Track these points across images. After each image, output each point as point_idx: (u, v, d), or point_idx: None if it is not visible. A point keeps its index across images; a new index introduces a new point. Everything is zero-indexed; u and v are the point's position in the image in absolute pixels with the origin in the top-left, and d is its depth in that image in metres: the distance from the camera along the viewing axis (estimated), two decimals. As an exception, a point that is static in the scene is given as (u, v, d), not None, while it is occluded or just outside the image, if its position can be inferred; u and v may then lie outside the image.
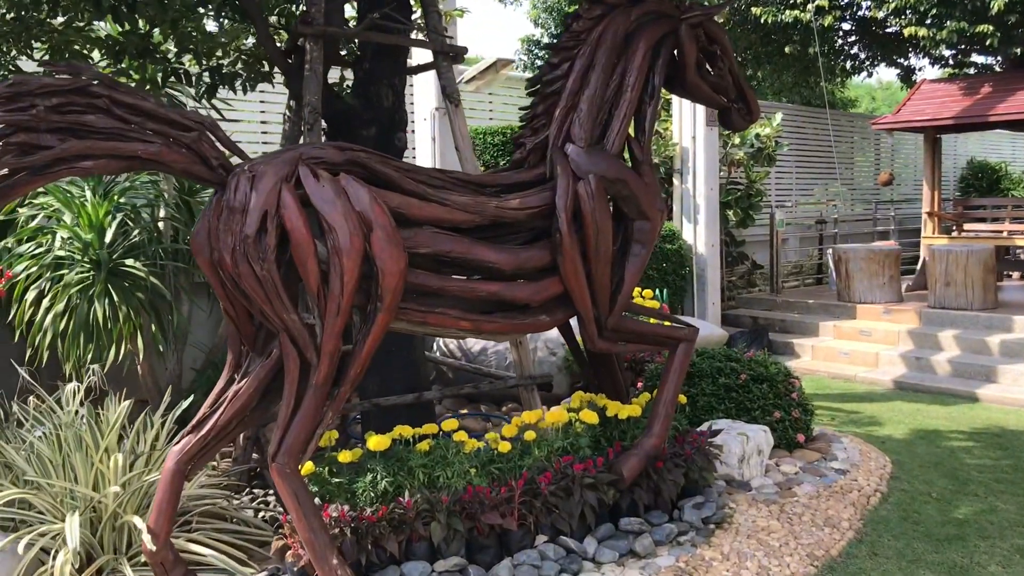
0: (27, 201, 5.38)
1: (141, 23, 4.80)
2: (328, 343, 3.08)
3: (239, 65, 5.32)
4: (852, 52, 12.44)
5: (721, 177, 9.52)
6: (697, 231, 9.11)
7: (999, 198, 12.84)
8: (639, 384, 5.53)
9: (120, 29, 4.73)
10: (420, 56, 7.17)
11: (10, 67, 4.85)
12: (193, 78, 5.18)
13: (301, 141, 4.31)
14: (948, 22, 9.68)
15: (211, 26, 5.37)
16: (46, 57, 4.71)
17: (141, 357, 5.42)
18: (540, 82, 3.90)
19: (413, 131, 8.03)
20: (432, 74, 5.20)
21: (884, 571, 3.67)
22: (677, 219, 9.24)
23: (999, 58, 11.59)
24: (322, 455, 3.76)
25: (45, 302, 5.05)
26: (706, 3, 4.30)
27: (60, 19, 4.71)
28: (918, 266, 10.65)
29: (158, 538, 3.13)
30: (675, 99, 9.18)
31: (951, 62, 12.19)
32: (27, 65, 5.10)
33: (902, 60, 12.37)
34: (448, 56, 4.85)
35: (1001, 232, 10.76)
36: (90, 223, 5.13)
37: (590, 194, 3.62)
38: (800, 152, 12.53)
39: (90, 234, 5.12)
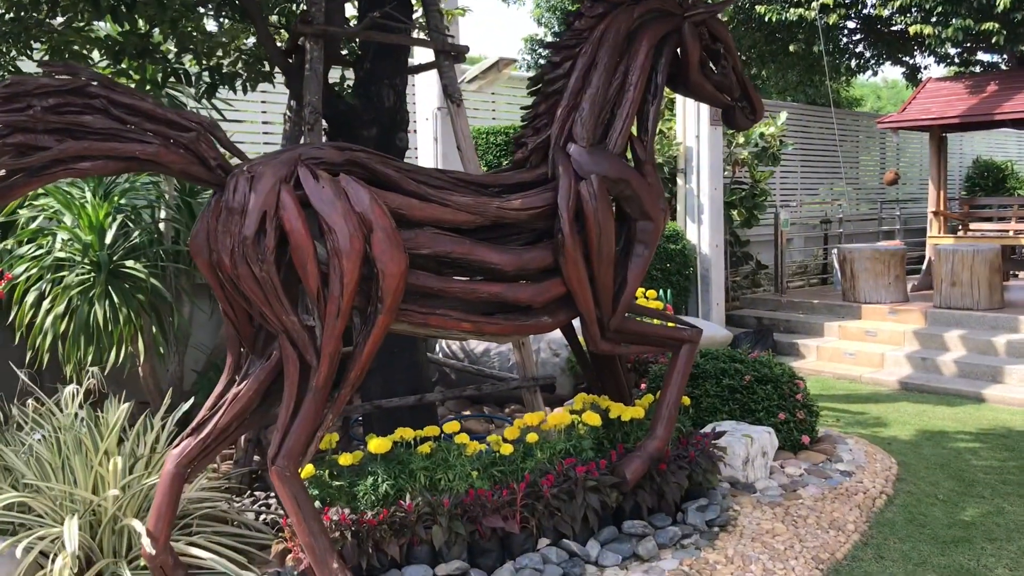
0: (27, 202, 5.37)
1: (141, 23, 4.79)
2: (328, 345, 3.05)
3: (239, 65, 5.30)
4: (857, 50, 12.38)
5: (725, 177, 9.49)
6: (701, 231, 9.08)
7: (1005, 197, 12.78)
8: (642, 385, 5.50)
9: (120, 29, 4.71)
10: (421, 55, 7.15)
11: (9, 68, 4.83)
12: (193, 78, 5.16)
13: (302, 141, 4.28)
14: (954, 20, 9.64)
15: (211, 26, 5.35)
16: (45, 57, 4.68)
17: (142, 359, 5.40)
18: (542, 81, 3.87)
19: (415, 131, 8.01)
20: (434, 74, 5.16)
21: (890, 574, 3.64)
22: (681, 219, 9.21)
23: (1005, 56, 11.54)
24: (323, 458, 3.74)
25: (45, 304, 5.04)
26: (709, 1, 4.26)
27: (59, 19, 4.70)
28: (924, 266, 10.58)
29: (158, 541, 3.11)
30: (679, 98, 9.16)
31: (957, 60, 12.12)
32: (26, 65, 5.08)
33: (907, 58, 12.32)
34: (450, 55, 4.82)
35: (1007, 231, 10.70)
36: (90, 224, 5.12)
37: (592, 194, 3.59)
38: (805, 151, 12.49)
39: (90, 235, 5.10)
